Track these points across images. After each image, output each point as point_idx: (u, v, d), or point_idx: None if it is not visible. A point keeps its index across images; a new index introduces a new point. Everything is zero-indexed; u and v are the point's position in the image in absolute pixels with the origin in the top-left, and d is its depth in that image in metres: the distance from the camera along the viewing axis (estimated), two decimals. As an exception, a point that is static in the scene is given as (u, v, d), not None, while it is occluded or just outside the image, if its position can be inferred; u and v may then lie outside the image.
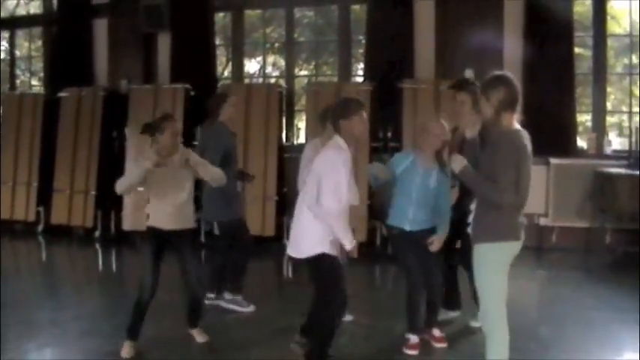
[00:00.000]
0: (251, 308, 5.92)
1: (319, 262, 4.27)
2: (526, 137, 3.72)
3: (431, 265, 5.00)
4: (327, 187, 4.14)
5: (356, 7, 9.97)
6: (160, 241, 4.88)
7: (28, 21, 11.46)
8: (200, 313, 5.21)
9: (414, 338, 4.99)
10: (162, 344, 5.07)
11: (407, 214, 4.95)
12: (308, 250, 4.28)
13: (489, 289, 3.77)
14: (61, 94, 9.88)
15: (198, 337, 5.14)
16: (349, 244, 4.23)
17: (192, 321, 5.18)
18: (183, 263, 4.96)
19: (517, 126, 3.72)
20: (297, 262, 4.58)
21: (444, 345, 5.10)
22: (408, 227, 4.96)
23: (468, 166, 3.73)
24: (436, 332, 5.15)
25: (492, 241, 3.71)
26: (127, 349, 4.82)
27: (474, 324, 5.10)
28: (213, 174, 4.95)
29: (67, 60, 10.26)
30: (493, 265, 3.74)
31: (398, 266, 5.70)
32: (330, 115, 4.49)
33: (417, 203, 4.94)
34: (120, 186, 4.78)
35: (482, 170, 3.72)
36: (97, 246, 9.21)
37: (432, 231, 4.99)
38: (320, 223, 4.21)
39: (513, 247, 3.78)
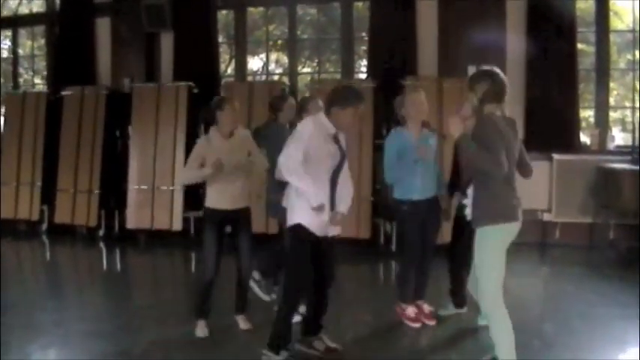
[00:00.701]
0: (267, 298, 5.90)
1: (293, 232, 4.43)
2: (510, 123, 4.07)
3: (429, 240, 5.39)
4: (285, 147, 4.35)
5: (358, 4, 9.93)
6: (221, 221, 5.08)
7: (30, 20, 11.44)
8: (246, 298, 5.35)
9: (411, 309, 5.38)
10: (165, 344, 5.08)
11: (416, 186, 5.26)
12: (289, 220, 4.47)
13: (490, 270, 3.96)
14: (64, 93, 9.87)
15: (242, 323, 5.30)
16: (313, 201, 4.27)
17: (239, 306, 5.33)
18: (237, 244, 5.17)
19: (498, 114, 4.00)
20: None
21: (432, 322, 5.38)
22: (416, 197, 5.25)
23: (465, 134, 3.90)
24: (425, 307, 5.48)
25: (493, 224, 3.92)
26: (201, 329, 5.12)
27: (481, 322, 5.11)
28: (262, 163, 5.22)
29: (69, 59, 10.25)
30: (494, 246, 3.95)
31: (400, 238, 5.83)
32: (327, 98, 4.50)
33: (422, 173, 5.24)
34: (180, 180, 4.97)
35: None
36: (101, 245, 9.21)
37: (435, 199, 5.39)
38: (298, 196, 4.35)
39: (513, 228, 4.00)
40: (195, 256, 8.53)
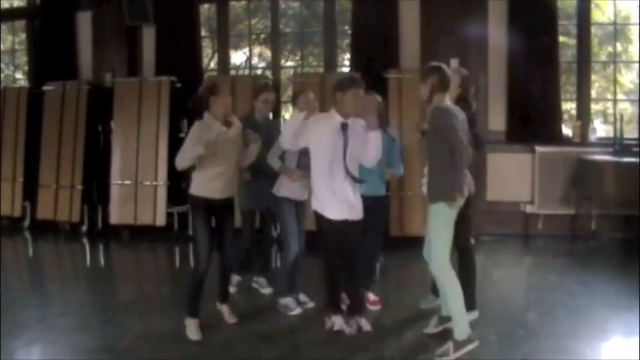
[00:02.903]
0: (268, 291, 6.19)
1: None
2: (458, 110, 4.68)
3: (374, 231, 5.62)
4: None
5: (341, -3, 9.96)
6: (209, 210, 5.00)
7: (11, 14, 11.32)
8: (228, 287, 5.36)
9: (372, 295, 5.71)
10: (150, 338, 5.06)
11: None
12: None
13: (444, 238, 4.58)
14: (45, 88, 9.78)
15: (228, 316, 5.30)
16: None
17: (222, 296, 5.31)
18: (221, 234, 5.11)
19: (448, 103, 4.67)
20: None
21: (377, 307, 5.63)
22: (364, 191, 5.27)
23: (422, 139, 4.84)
24: (370, 296, 5.72)
25: (446, 199, 4.51)
26: (194, 330, 4.99)
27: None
28: (253, 155, 5.25)
29: (50, 53, 10.17)
30: (448, 218, 4.57)
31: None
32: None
33: (368, 170, 5.26)
34: (179, 164, 4.97)
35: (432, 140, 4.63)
36: (84, 241, 9.16)
37: (383, 198, 5.79)
38: None
39: (461, 202, 4.61)
40: (179, 251, 8.52)
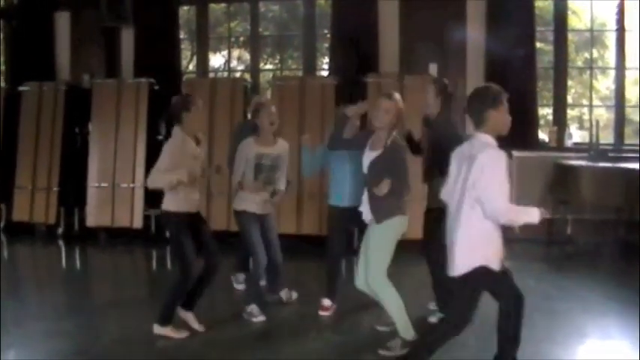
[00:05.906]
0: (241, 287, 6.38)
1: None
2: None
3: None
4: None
5: (321, 1, 9.98)
6: (188, 223, 5.06)
7: (-13, 14, 11.22)
8: (199, 296, 5.24)
9: (327, 302, 5.66)
10: (126, 342, 5.03)
11: (344, 191, 5.40)
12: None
13: (384, 257, 4.63)
14: (22, 89, 9.69)
15: (194, 323, 5.19)
16: None
17: (191, 304, 5.22)
18: (204, 237, 5.16)
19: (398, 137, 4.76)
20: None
21: (326, 313, 5.61)
22: (346, 203, 5.38)
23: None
24: (325, 302, 5.68)
25: (393, 217, 4.60)
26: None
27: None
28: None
29: (28, 54, 10.07)
30: (393, 236, 4.65)
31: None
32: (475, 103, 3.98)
33: (353, 179, 5.31)
34: (153, 184, 4.94)
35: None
36: (61, 243, 9.08)
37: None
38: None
39: (405, 220, 4.72)
40: (156, 254, 8.47)
